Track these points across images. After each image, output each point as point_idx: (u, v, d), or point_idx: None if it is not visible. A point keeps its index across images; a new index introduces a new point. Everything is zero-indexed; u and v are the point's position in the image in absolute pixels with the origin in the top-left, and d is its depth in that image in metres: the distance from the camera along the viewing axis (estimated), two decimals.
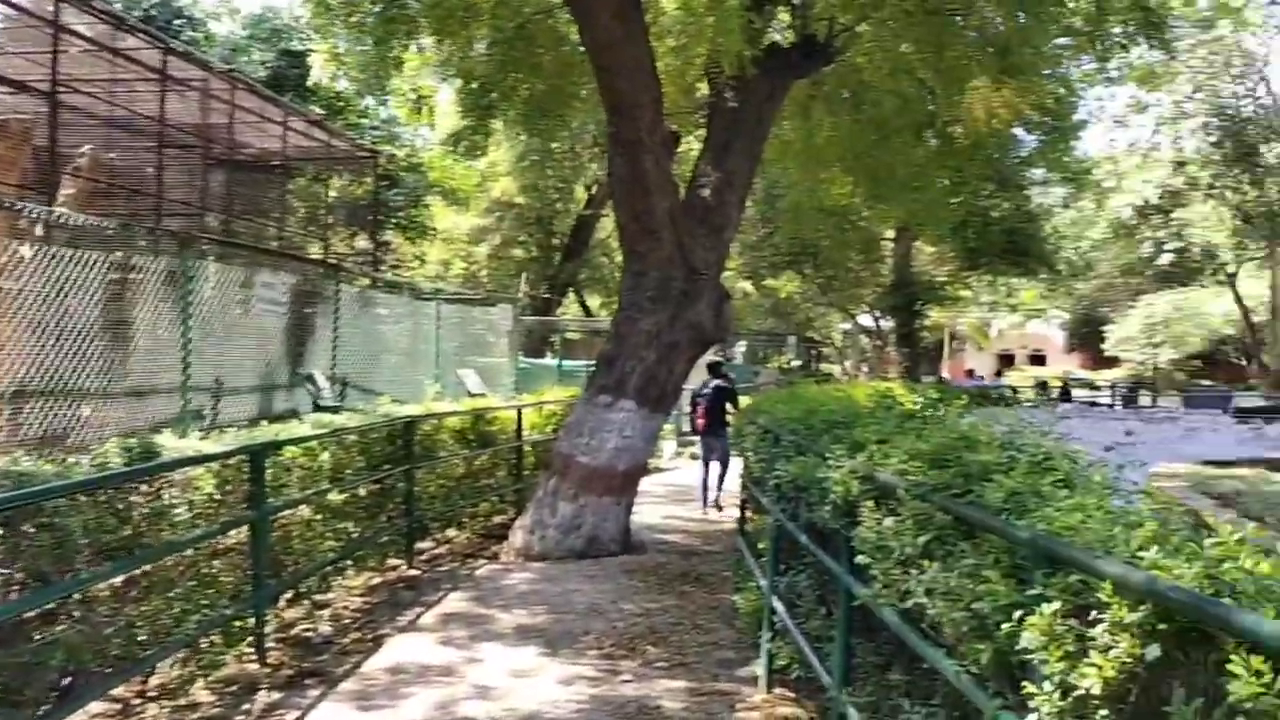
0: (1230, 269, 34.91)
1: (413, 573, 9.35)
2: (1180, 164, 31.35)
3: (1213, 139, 29.21)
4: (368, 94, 18.83)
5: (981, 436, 3.89)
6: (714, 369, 13.96)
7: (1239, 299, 35.07)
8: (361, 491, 8.71)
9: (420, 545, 10.09)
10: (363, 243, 20.74)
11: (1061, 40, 12.65)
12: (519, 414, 12.30)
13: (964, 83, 9.73)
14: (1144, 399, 32.14)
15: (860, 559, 3.91)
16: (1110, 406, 29.38)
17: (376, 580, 9.03)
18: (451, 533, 11.14)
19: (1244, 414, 24.88)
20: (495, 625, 7.65)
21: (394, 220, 22.63)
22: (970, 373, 37.92)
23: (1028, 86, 9.57)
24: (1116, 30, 11.60)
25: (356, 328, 14.42)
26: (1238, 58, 28.59)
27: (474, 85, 11.53)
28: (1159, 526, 2.49)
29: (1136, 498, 3.17)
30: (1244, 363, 38.91)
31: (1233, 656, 1.74)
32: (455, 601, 8.34)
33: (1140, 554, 2.25)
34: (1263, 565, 1.94)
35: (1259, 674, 1.68)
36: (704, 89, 12.22)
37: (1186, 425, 23.64)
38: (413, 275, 25.02)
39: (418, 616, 7.85)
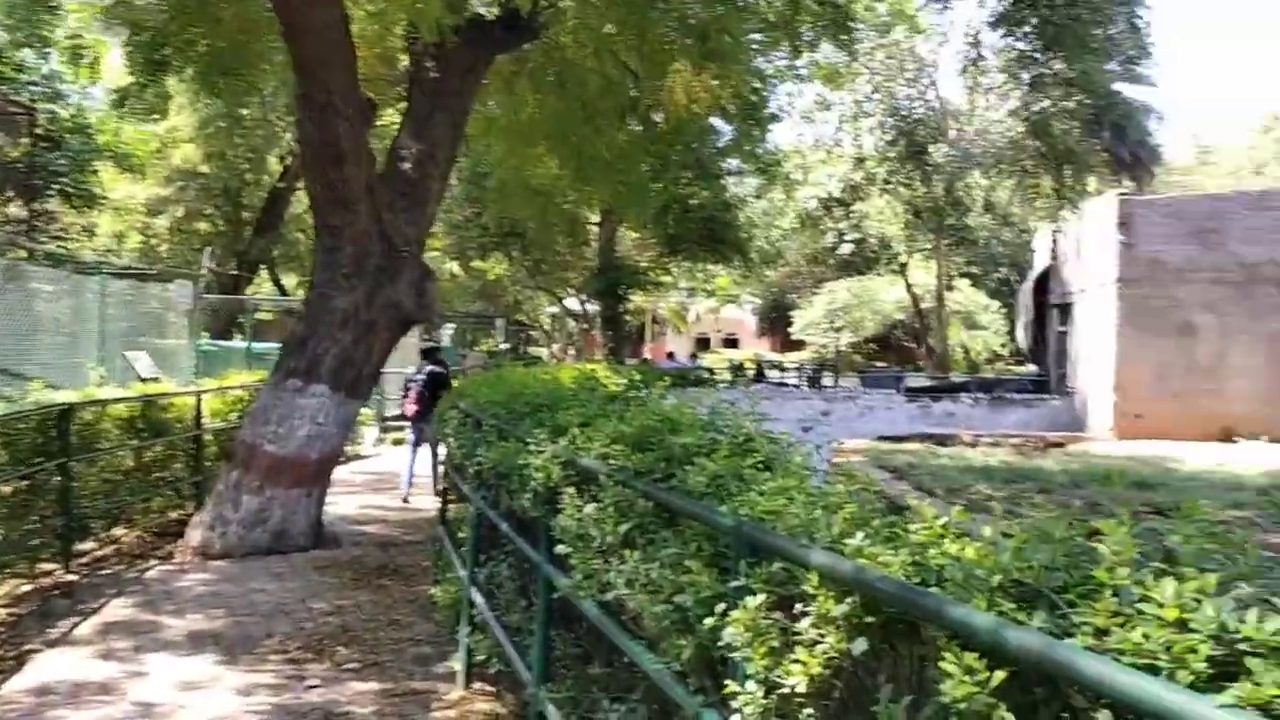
0: (902, 259, 37.81)
1: (70, 578, 8.39)
2: (860, 160, 33.48)
3: (888, 138, 31.40)
4: (23, 44, 16.75)
5: (684, 418, 3.78)
6: (429, 354, 13.53)
7: (909, 287, 38.07)
8: (6, 489, 7.66)
9: (81, 546, 9.09)
10: (16, 210, 18.48)
11: (757, 35, 13.09)
12: (198, 400, 11.33)
13: (665, 66, 9.78)
14: (827, 379, 34.25)
15: (561, 548, 3.71)
16: (798, 387, 31.08)
17: (26, 588, 8.01)
18: (119, 531, 10.08)
19: (914, 393, 26.90)
20: (165, 633, 6.95)
21: (56, 186, 20.35)
22: (670, 355, 39.09)
23: (726, 74, 9.74)
24: (807, 29, 12.09)
25: (2, 305, 12.75)
26: (911, 62, 30.92)
27: (144, 38, 10.42)
28: (858, 509, 2.40)
29: (835, 478, 3.13)
30: (914, 345, 42.32)
31: (944, 653, 1.62)
32: (119, 608, 7.52)
33: (844, 540, 2.13)
34: (968, 550, 1.85)
35: (972, 671, 1.57)
36: (407, 59, 11.70)
37: (865, 404, 25.31)
38: (80, 248, 22.66)
39: (73, 627, 7.01)
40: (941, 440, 18.85)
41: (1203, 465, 14.91)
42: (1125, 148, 27.76)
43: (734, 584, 2.37)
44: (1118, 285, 22.09)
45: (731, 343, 57.84)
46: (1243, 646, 1.28)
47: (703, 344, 55.40)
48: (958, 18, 55.42)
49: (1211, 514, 1.79)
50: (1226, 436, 20.23)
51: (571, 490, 3.70)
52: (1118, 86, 22.08)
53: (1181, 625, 1.36)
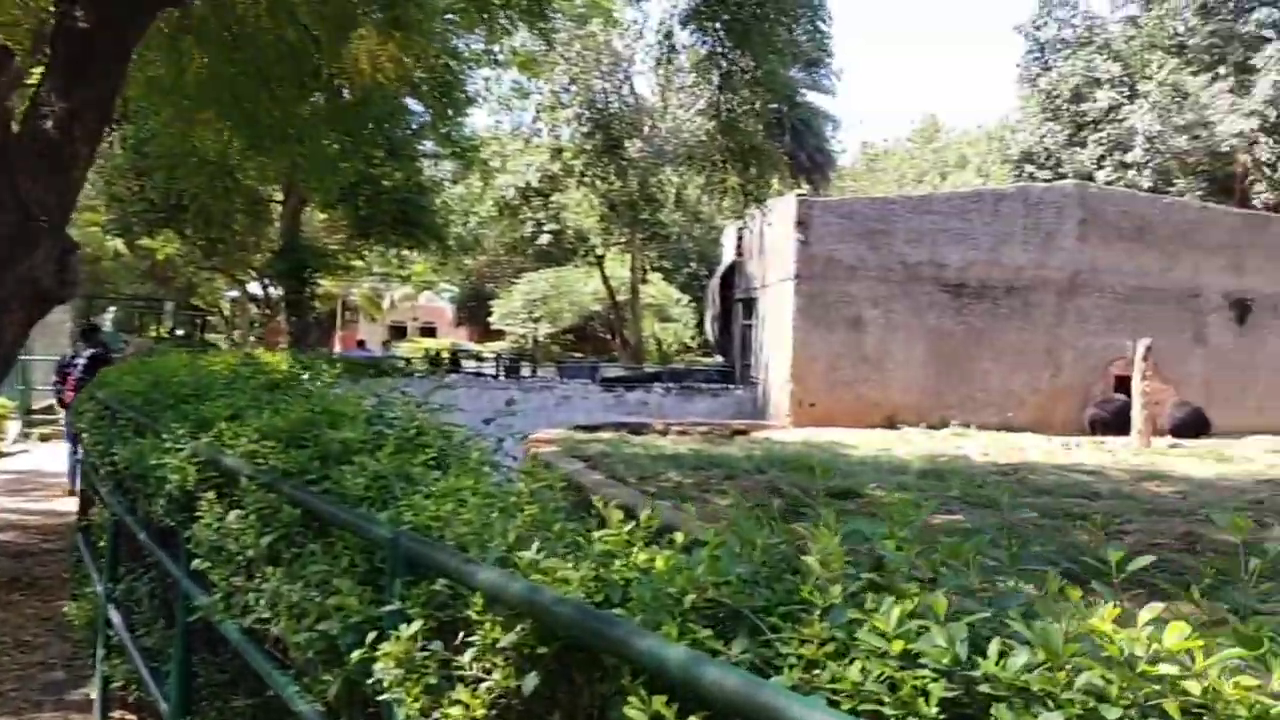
0: (599, 251, 38.36)
1: None
2: (558, 151, 33.61)
3: (585, 130, 31.64)
4: None
5: (349, 409, 3.33)
6: (89, 335, 12.05)
7: (605, 279, 38.68)
8: None
9: None
10: None
11: (451, 16, 12.63)
12: None
13: (349, 31, 9.11)
14: (525, 369, 34.18)
15: (199, 563, 3.16)
16: (495, 376, 30.78)
17: None
18: None
19: (609, 383, 27.28)
20: None
21: None
22: (361, 343, 37.68)
23: (413, 46, 9.20)
24: (503, 13, 11.77)
25: None
26: (607, 56, 31.28)
27: None
28: (540, 510, 2.08)
29: (517, 475, 2.80)
30: (609, 337, 43.05)
31: (630, 695, 1.32)
32: None
33: (520, 550, 1.80)
34: (659, 561, 1.56)
35: (660, 718, 1.27)
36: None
37: (561, 393, 25.38)
38: None
39: None
40: (635, 429, 19.10)
41: (870, 451, 15.90)
42: (804, 151, 29.43)
43: (387, 608, 1.99)
44: (795, 281, 23.29)
45: (429, 331, 56.65)
46: (984, 688, 1.04)
47: (398, 332, 54.01)
48: (652, 12, 56.71)
49: (918, 513, 1.60)
50: (890, 423, 21.81)
51: (211, 495, 3.17)
52: (799, 91, 23.28)
53: (908, 659, 1.11)
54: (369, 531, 2.19)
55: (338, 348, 39.52)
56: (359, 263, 32.58)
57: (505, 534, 1.95)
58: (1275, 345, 25.34)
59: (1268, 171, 33.66)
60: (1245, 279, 25.10)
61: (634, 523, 1.76)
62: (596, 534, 1.74)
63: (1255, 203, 33.59)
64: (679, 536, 1.63)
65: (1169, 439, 20.33)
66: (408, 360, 31.16)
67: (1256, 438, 20.34)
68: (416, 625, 1.85)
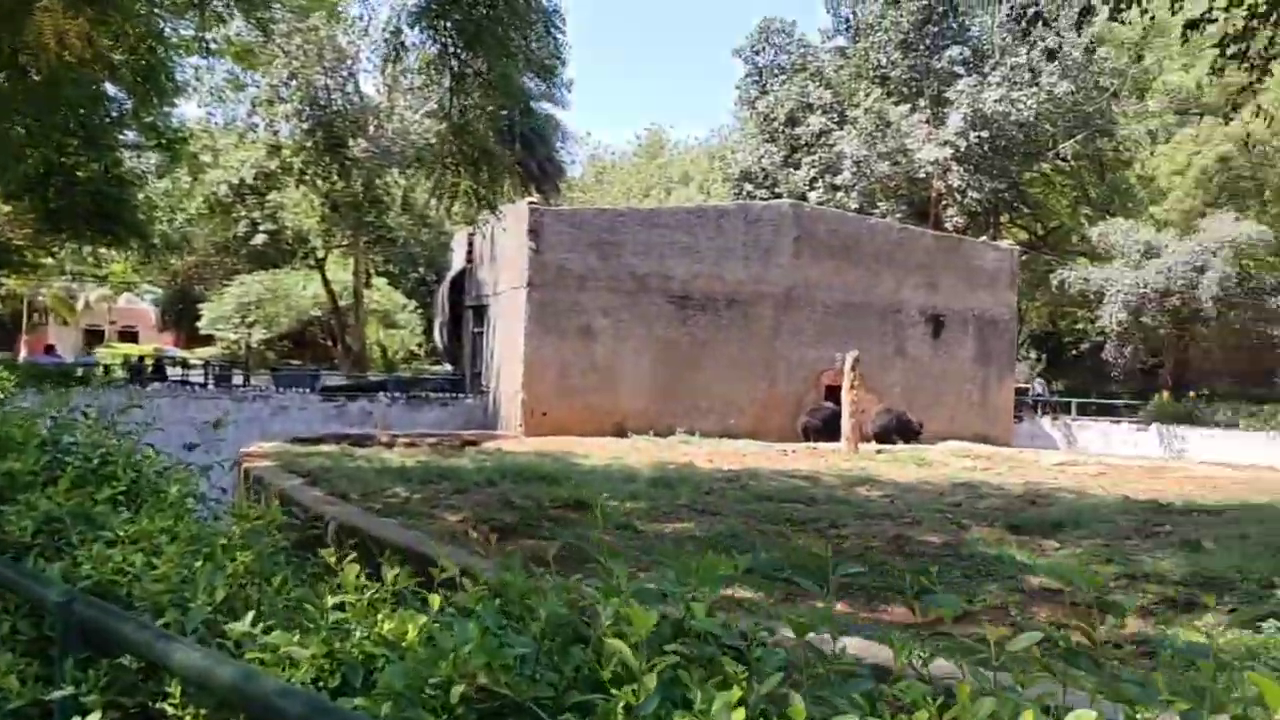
0: (320, 254, 36.84)
1: None
2: (276, 148, 32.09)
3: (306, 127, 30.34)
4: None
5: (17, 432, 2.79)
6: None
7: (327, 283, 37.19)
8: None
9: None
10: None
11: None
12: None
13: (32, 2, 8.12)
14: (238, 378, 32.28)
15: None
16: (204, 385, 28.85)
17: None
18: None
19: (330, 392, 26.19)
20: None
21: None
22: (50, 349, 34.39)
23: (109, 21, 8.33)
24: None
25: None
26: (330, 51, 30.09)
27: None
28: (254, 559, 1.74)
29: (226, 512, 2.41)
30: (330, 343, 41.42)
31: None
32: None
33: (230, 622, 1.46)
34: (410, 632, 1.28)
35: None
36: None
37: (277, 403, 24.12)
38: None
39: None
40: (358, 441, 18.31)
41: (601, 460, 15.96)
42: (535, 160, 29.43)
43: (58, 693, 1.58)
44: (527, 289, 23.21)
45: (130, 336, 52.58)
46: None
47: (95, 336, 49.82)
48: (380, 8, 55.14)
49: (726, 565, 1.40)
50: (620, 431, 22.07)
51: None
52: (533, 98, 23.22)
53: None
54: (33, 592, 1.76)
55: (23, 353, 35.93)
56: (49, 260, 29.85)
57: (211, 590, 1.59)
58: (963, 357, 27.69)
59: (958, 197, 36.82)
60: (938, 296, 27.28)
61: (378, 582, 1.46)
62: (330, 597, 1.43)
63: (947, 225, 36.69)
64: (435, 600, 1.35)
65: (874, 445, 21.70)
66: (106, 368, 28.75)
67: (948, 443, 22.07)
68: (95, 717, 1.47)
